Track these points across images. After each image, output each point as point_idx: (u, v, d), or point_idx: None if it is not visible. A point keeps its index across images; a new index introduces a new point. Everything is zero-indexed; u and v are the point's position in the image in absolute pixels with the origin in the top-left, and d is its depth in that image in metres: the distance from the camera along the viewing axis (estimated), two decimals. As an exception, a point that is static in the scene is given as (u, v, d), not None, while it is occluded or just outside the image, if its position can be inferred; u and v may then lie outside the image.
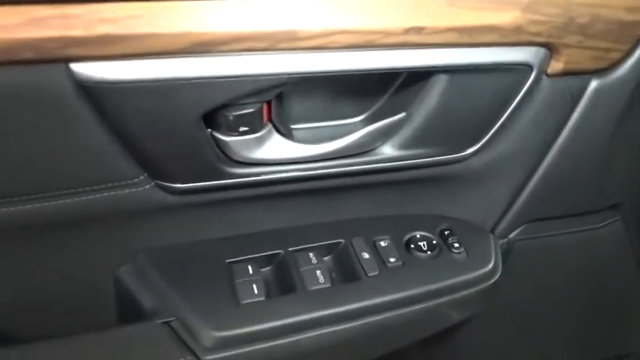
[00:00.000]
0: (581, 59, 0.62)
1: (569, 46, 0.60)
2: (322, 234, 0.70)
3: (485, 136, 0.67)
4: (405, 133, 0.63)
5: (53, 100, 0.46)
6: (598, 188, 0.80)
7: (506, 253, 0.80)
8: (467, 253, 0.72)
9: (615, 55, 0.64)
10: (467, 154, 0.68)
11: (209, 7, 0.46)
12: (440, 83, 0.59)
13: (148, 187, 0.58)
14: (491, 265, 0.72)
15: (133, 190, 0.57)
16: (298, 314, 0.61)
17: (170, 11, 0.45)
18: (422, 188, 0.75)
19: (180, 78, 0.48)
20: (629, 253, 0.91)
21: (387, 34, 0.53)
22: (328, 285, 0.65)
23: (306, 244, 0.68)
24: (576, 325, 0.96)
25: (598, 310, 0.96)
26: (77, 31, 0.43)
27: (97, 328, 0.59)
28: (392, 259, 0.69)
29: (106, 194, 0.56)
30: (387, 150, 0.64)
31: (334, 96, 0.63)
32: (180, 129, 0.52)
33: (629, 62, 0.65)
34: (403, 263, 0.69)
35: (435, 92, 0.60)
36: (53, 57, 0.44)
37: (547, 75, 0.63)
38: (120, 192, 0.56)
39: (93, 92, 0.47)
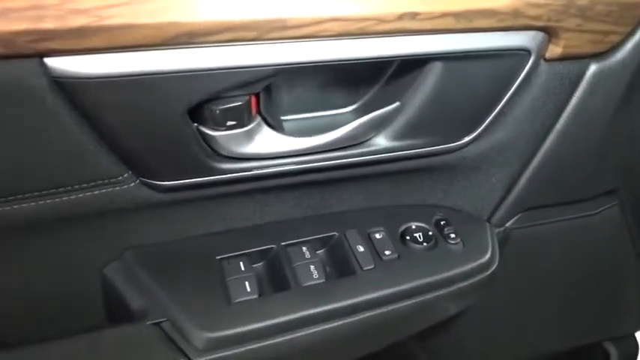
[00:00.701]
0: (580, 43, 0.60)
1: (568, 29, 0.58)
2: (315, 227, 0.69)
3: (482, 124, 0.65)
4: (399, 123, 0.61)
5: (28, 97, 0.44)
6: (595, 174, 0.78)
7: (503, 242, 0.78)
8: (463, 243, 0.71)
9: (615, 38, 0.62)
10: (463, 143, 0.66)
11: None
12: (435, 71, 0.57)
13: (132, 185, 0.55)
14: (488, 256, 0.71)
15: (117, 188, 0.55)
16: (292, 312, 0.59)
17: (147, 1, 0.43)
18: (417, 178, 0.73)
19: (163, 71, 0.46)
20: (625, 238, 0.90)
21: (380, 20, 0.50)
22: (322, 280, 0.63)
23: (298, 238, 0.66)
24: (574, 310, 0.96)
25: (595, 295, 0.96)
26: (50, 24, 0.40)
27: (86, 329, 0.57)
28: (387, 252, 0.67)
29: (88, 193, 0.53)
30: (381, 141, 0.62)
31: (325, 86, 0.61)
32: (164, 125, 0.50)
33: (629, 45, 0.63)
34: (399, 256, 0.67)
35: (430, 80, 0.58)
36: (26, 51, 0.41)
37: (545, 60, 0.61)
38: (103, 191, 0.54)
39: (70, 88, 0.44)
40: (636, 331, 1.04)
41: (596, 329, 1.02)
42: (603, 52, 0.63)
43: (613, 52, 0.63)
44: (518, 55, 0.59)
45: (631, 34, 0.62)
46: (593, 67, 0.64)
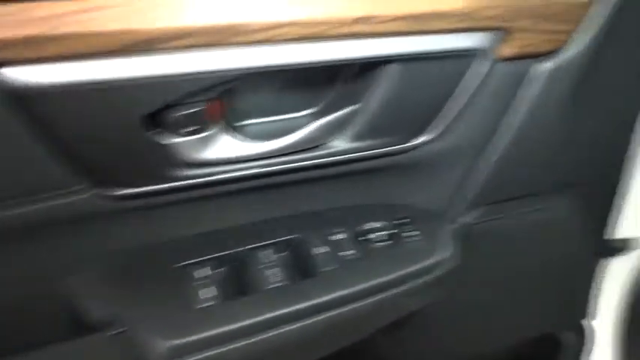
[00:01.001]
0: (534, 42, 0.61)
1: (522, 29, 0.59)
2: (278, 230, 0.69)
3: (439, 123, 0.66)
4: (359, 124, 0.62)
5: None
6: (551, 169, 0.80)
7: (463, 237, 0.80)
8: (424, 240, 0.72)
9: (566, 37, 0.63)
10: (421, 142, 0.67)
11: (149, 2, 0.43)
12: (392, 73, 0.57)
13: (90, 194, 0.54)
14: (448, 252, 0.72)
15: (75, 198, 0.53)
16: (256, 315, 0.59)
17: (105, 8, 0.42)
18: (377, 178, 0.73)
19: (120, 79, 0.45)
20: (580, 230, 0.93)
21: (336, 24, 0.51)
22: (285, 282, 0.63)
23: (261, 242, 0.66)
24: (531, 303, 0.98)
25: (550, 286, 0.98)
26: (4, 33, 0.39)
27: (47, 342, 0.56)
28: (348, 252, 0.67)
29: (44, 204, 0.52)
30: (341, 142, 0.63)
31: (285, 89, 0.61)
32: (122, 133, 0.49)
33: (580, 43, 0.65)
34: (360, 255, 0.68)
35: (388, 82, 0.58)
36: None
37: (500, 59, 0.62)
38: (60, 201, 0.53)
39: (25, 97, 0.43)
40: (584, 318, 1.07)
41: (552, 320, 1.05)
42: (556, 50, 0.64)
43: (565, 50, 0.65)
44: (474, 55, 0.60)
45: (581, 32, 0.64)
46: (546, 65, 0.65)
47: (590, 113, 0.76)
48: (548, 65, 0.65)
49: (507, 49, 0.61)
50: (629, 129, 0.79)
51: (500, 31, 0.59)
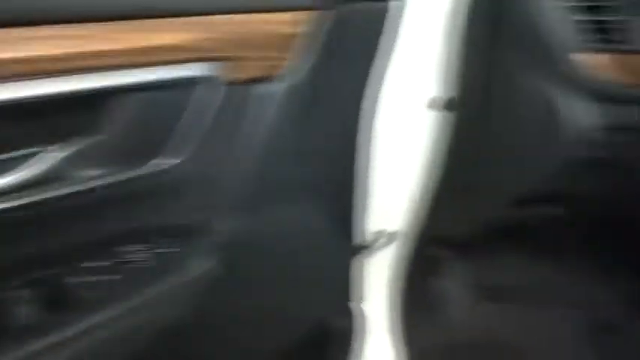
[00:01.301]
0: (258, 69, 0.69)
1: (246, 58, 0.66)
2: (30, 267, 0.67)
3: (184, 146, 0.69)
4: (106, 153, 0.63)
5: None
6: (295, 178, 0.88)
7: (224, 247, 0.84)
8: (183, 257, 0.75)
9: (288, 63, 0.71)
10: (170, 165, 0.70)
11: None
12: (125, 103, 0.60)
13: None
14: (209, 263, 0.76)
15: None
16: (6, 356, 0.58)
17: None
18: (132, 202, 0.74)
19: None
20: (338, 228, 1.02)
21: (64, 59, 0.53)
22: (40, 318, 0.62)
23: (11, 281, 0.64)
24: (297, 300, 1.05)
25: (315, 282, 1.06)
26: None
27: None
28: (106, 277, 0.68)
29: None
30: (87, 172, 0.64)
31: (24, 124, 0.60)
32: None
33: (305, 68, 0.74)
34: (118, 278, 0.69)
35: (122, 112, 0.61)
36: None
37: (229, 85, 0.67)
38: None
39: None
40: (350, 306, 1.17)
41: (317, 312, 1.13)
42: (280, 75, 0.72)
43: (290, 76, 0.73)
44: (205, 82, 0.65)
45: (302, 58, 0.73)
46: (276, 88, 0.73)
47: (321, 127, 0.85)
48: (278, 88, 0.73)
49: (237, 76, 0.67)
50: (354, 138, 0.90)
51: (226, 60, 0.65)
